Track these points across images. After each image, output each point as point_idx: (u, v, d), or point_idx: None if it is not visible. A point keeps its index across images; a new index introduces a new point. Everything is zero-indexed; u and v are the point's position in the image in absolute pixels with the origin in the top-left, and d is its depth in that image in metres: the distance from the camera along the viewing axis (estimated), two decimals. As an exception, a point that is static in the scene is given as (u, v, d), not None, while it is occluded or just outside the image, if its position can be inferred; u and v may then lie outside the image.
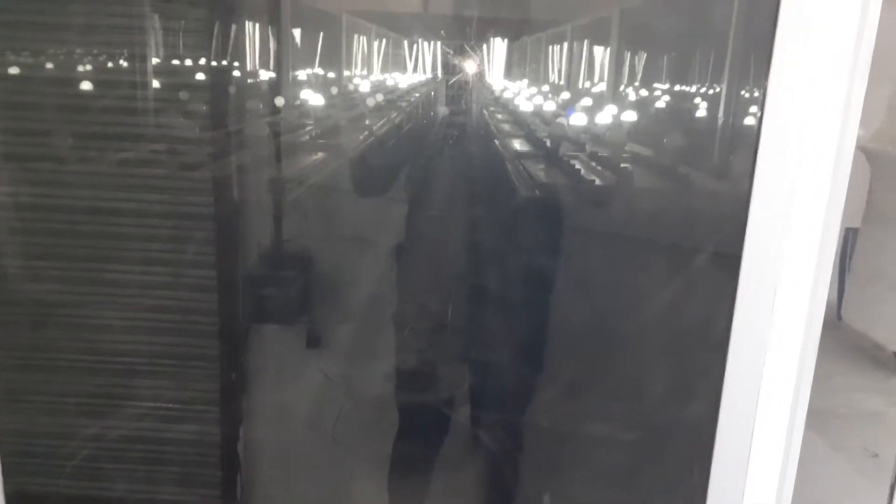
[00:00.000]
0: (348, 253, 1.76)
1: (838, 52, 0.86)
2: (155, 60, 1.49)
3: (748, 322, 0.92)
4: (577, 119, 1.85)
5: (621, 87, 1.91)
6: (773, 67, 0.87)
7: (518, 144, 1.92)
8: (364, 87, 2.20)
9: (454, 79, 1.76)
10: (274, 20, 1.89)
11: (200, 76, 1.57)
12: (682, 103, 1.85)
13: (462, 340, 1.71)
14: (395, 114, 2.10)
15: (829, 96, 0.87)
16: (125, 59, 1.48)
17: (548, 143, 1.83)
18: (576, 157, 1.77)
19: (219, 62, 1.57)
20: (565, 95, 2.03)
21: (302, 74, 2.08)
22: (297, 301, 1.78)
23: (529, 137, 1.92)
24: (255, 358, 1.73)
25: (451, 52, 1.75)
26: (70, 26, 1.38)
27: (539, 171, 1.78)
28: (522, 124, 1.97)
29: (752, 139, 0.92)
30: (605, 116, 1.84)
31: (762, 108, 0.88)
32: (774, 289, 0.89)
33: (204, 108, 1.60)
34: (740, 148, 1.31)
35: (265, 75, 1.98)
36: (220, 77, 1.63)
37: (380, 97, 2.16)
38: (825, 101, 0.87)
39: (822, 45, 0.86)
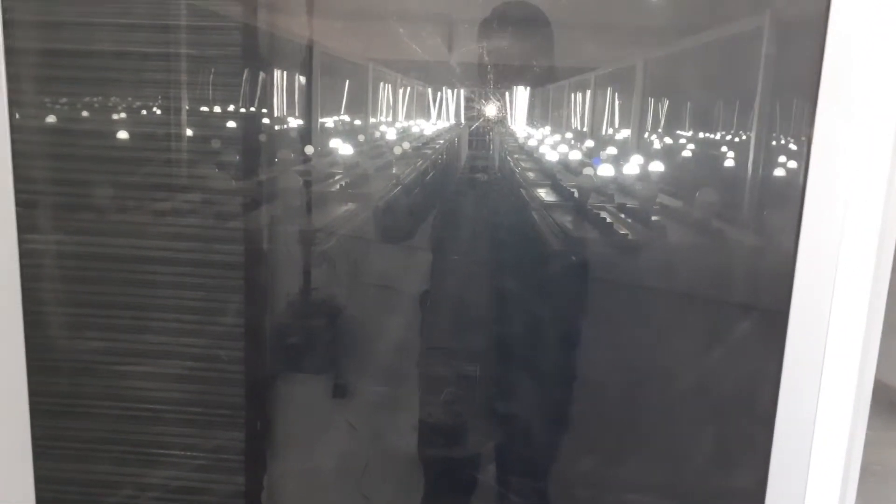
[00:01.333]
0: (376, 303, 1.75)
1: (883, 101, 0.86)
2: (188, 112, 1.52)
3: (797, 383, 0.89)
4: (605, 170, 1.84)
5: (652, 136, 1.91)
6: (818, 119, 0.86)
7: (544, 194, 1.91)
8: (390, 134, 2.23)
9: (478, 125, 1.78)
10: (304, 71, 1.92)
11: (232, 126, 1.60)
12: (713, 153, 1.84)
13: (490, 394, 1.68)
14: (420, 161, 2.11)
15: (875, 148, 0.86)
16: (161, 111, 1.51)
17: (575, 194, 1.82)
18: (603, 209, 1.75)
19: (248, 111, 1.60)
20: (590, 143, 2.04)
21: (330, 123, 2.11)
22: (324, 350, 1.76)
23: (556, 187, 1.92)
24: (280, 407, 1.72)
25: (477, 100, 1.77)
26: (112, 80, 1.41)
27: (567, 222, 1.77)
28: (548, 173, 1.96)
29: (792, 190, 0.91)
30: (634, 167, 1.83)
31: (807, 161, 0.87)
32: (824, 347, 0.87)
33: (236, 158, 1.62)
34: (780, 200, 1.30)
35: (295, 124, 2.01)
36: (251, 127, 1.66)
37: (406, 145, 2.18)
38: (871, 154, 0.86)
39: (865, 93, 0.86)
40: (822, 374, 0.87)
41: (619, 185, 1.80)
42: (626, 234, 1.68)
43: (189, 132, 1.53)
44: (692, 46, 1.65)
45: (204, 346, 1.53)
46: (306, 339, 1.73)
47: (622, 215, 1.73)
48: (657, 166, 1.78)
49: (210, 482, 1.60)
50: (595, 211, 1.75)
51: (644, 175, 1.76)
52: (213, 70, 1.53)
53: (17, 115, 1.06)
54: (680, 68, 1.75)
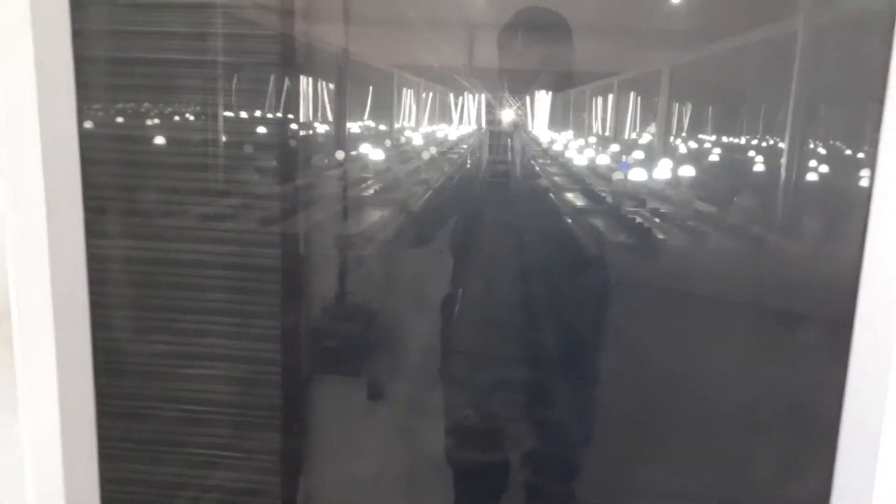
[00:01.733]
0: (411, 306, 1.76)
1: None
2: (225, 118, 1.53)
3: (862, 395, 0.87)
4: (637, 174, 1.85)
5: (679, 140, 1.91)
6: (885, 123, 0.85)
7: (573, 198, 1.92)
8: (416, 139, 2.24)
9: (505, 129, 1.79)
10: (334, 77, 1.94)
11: (266, 132, 1.62)
12: (751, 157, 1.84)
13: (521, 399, 1.69)
14: (446, 166, 2.13)
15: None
16: (199, 118, 1.53)
17: (608, 199, 1.83)
18: (636, 213, 1.76)
19: (277, 117, 1.61)
20: (616, 147, 2.05)
21: (356, 128, 2.13)
22: (359, 353, 1.78)
23: (586, 191, 1.93)
24: (316, 408, 1.73)
25: (505, 105, 1.78)
26: (176, 88, 1.43)
27: (600, 226, 1.78)
28: (576, 178, 1.97)
29: (856, 196, 0.91)
30: (665, 171, 1.83)
31: (873, 167, 0.87)
32: (889, 358, 0.86)
33: (273, 164, 1.64)
34: (843, 205, 1.28)
35: (325, 130, 2.03)
36: (284, 133, 1.68)
37: (433, 150, 2.19)
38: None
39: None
40: (888, 386, 0.86)
41: (658, 190, 1.80)
42: (665, 239, 1.68)
43: (226, 139, 1.55)
44: (746, 46, 1.64)
45: (248, 349, 1.54)
46: (341, 340, 1.75)
47: (656, 219, 1.73)
48: (691, 171, 1.79)
49: (244, 482, 1.61)
50: (629, 216, 1.75)
51: (680, 180, 1.77)
52: (272, 78, 1.55)
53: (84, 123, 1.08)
54: (731, 70, 1.74)
